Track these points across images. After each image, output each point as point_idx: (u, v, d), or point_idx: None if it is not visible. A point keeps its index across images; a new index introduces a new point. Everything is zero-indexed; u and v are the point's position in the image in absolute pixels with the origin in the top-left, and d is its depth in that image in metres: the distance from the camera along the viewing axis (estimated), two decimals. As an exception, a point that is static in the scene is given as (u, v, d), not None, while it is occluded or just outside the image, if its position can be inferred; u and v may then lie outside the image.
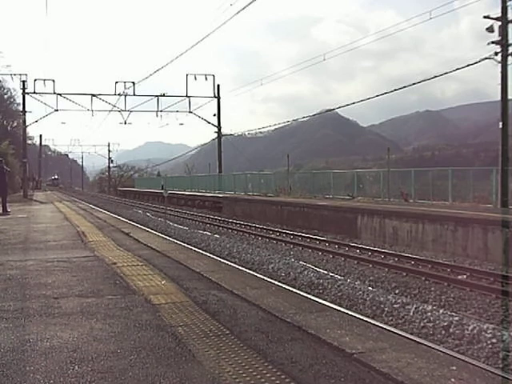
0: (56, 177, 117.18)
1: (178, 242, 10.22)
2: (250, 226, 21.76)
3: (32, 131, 70.91)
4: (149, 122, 64.80)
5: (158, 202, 41.05)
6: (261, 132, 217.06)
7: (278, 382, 2.74)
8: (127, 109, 39.60)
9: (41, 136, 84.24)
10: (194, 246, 10.26)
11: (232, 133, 45.50)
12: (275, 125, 59.75)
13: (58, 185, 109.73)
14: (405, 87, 25.61)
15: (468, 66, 19.77)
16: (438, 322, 7.04)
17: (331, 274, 10.66)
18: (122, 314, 4.10)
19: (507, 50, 18.29)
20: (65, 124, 51.30)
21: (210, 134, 51.27)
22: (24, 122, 37.85)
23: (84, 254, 7.52)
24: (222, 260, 7.49)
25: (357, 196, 23.89)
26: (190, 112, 40.27)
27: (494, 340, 6.18)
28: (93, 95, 37.95)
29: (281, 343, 3.36)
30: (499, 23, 18.34)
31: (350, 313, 4.30)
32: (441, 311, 7.61)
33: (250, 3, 17.53)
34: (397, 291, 9.53)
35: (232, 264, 7.17)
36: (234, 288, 4.99)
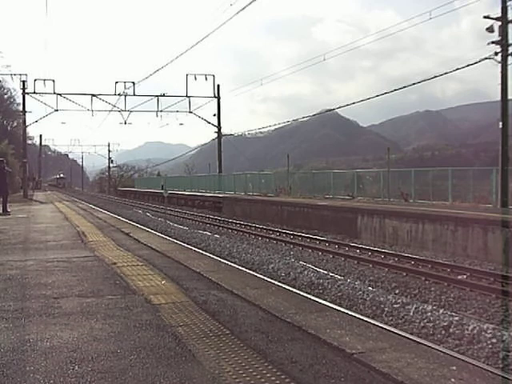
0: (61, 175, 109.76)
1: (178, 242, 10.23)
2: (250, 226, 21.76)
3: (32, 131, 71.06)
4: (149, 122, 64.81)
5: (157, 202, 41.04)
6: (261, 132, 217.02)
7: (277, 381, 2.74)
8: (127, 109, 39.63)
9: (41, 136, 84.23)
10: (194, 246, 10.25)
11: (232, 133, 45.54)
12: (275, 125, 59.86)
13: (64, 185, 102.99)
14: (405, 87, 25.66)
15: (468, 65, 19.81)
16: (438, 322, 7.04)
17: (331, 274, 10.66)
18: (121, 314, 4.10)
19: (507, 50, 18.28)
20: (65, 124, 51.27)
21: (210, 134, 51.28)
22: (24, 122, 37.85)
23: (84, 254, 7.53)
24: (222, 260, 7.49)
25: (357, 196, 23.89)
26: (190, 112, 40.27)
27: (494, 340, 6.18)
28: (93, 95, 37.95)
29: (281, 343, 3.36)
30: (499, 23, 18.34)
31: (350, 313, 4.30)
32: (441, 311, 7.61)
33: (250, 3, 17.55)
34: (397, 291, 9.53)
35: (232, 264, 7.18)
36: (234, 288, 4.99)
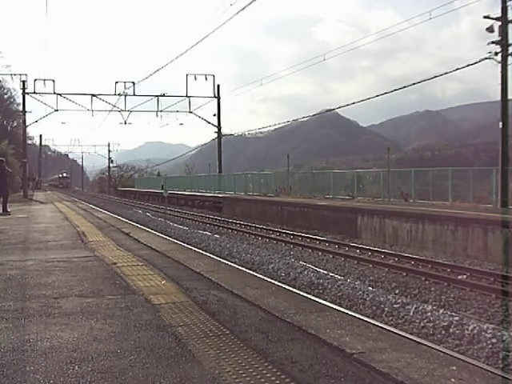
0: (64, 174, 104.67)
1: (178, 242, 10.23)
2: (250, 226, 21.76)
3: (32, 131, 71.12)
4: (149, 122, 64.79)
5: (158, 202, 41.04)
6: (261, 132, 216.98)
7: (277, 381, 2.74)
8: (127, 109, 39.65)
9: (41, 136, 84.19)
10: (194, 246, 10.25)
11: (232, 133, 45.55)
12: (275, 125, 59.89)
13: (67, 185, 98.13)
14: (405, 87, 25.70)
15: (468, 65, 19.81)
16: (438, 321, 7.04)
17: (331, 274, 10.66)
18: (122, 314, 4.10)
19: (507, 50, 18.29)
20: (65, 124, 51.28)
21: (210, 134, 51.25)
22: (24, 122, 37.87)
23: (84, 254, 7.52)
24: (222, 260, 7.49)
25: (357, 196, 23.89)
26: (190, 112, 40.27)
27: (494, 340, 6.18)
28: (93, 95, 37.96)
29: (281, 343, 3.35)
30: (499, 23, 18.34)
31: (350, 313, 4.30)
32: (441, 311, 7.61)
33: (250, 3, 17.56)
34: (397, 291, 9.53)
35: (232, 264, 7.18)
36: (234, 288, 4.99)
